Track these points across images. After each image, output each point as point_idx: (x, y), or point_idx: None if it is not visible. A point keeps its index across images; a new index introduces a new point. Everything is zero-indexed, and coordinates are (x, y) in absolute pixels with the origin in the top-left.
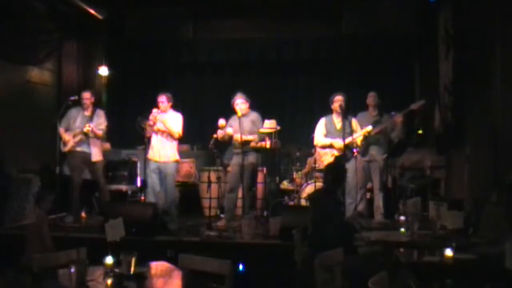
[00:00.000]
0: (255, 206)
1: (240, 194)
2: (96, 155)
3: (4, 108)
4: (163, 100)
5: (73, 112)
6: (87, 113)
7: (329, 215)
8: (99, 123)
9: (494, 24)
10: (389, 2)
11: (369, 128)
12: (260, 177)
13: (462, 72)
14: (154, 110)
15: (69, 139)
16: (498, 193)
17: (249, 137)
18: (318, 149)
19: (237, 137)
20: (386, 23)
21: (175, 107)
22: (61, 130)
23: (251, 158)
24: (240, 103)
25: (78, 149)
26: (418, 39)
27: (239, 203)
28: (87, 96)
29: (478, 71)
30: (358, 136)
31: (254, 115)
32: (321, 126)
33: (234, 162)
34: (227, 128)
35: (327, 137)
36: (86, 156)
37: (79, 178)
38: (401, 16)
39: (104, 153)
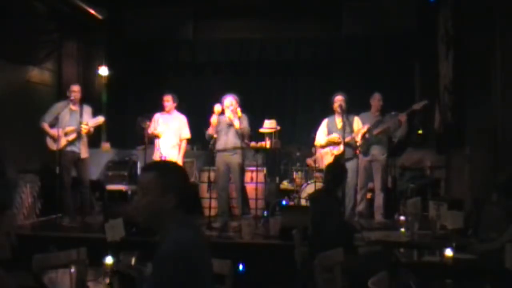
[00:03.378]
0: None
1: (232, 194)
2: (85, 152)
3: (4, 108)
4: (169, 99)
5: (58, 107)
6: (75, 108)
7: (329, 215)
8: (94, 121)
9: (494, 24)
10: (389, 2)
11: (364, 129)
12: (260, 177)
13: (462, 72)
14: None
15: (60, 136)
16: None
17: (236, 122)
18: (319, 149)
19: (230, 115)
20: (386, 23)
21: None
22: (45, 125)
23: (237, 157)
24: (230, 104)
25: (68, 148)
26: (418, 39)
27: (234, 202)
28: (76, 89)
29: (478, 71)
30: (355, 135)
31: (242, 115)
32: (323, 127)
33: (220, 161)
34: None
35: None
36: (76, 156)
37: (69, 177)
38: (401, 16)
39: (104, 152)
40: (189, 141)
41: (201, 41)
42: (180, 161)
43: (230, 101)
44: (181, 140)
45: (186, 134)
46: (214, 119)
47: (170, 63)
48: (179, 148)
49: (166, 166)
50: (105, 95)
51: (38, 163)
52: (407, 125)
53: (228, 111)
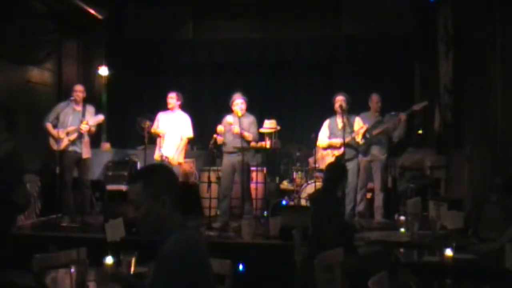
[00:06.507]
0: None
1: (234, 194)
2: (87, 152)
3: None
4: (173, 96)
5: (61, 107)
6: (78, 108)
7: (329, 215)
8: (95, 120)
9: (494, 24)
10: (389, 2)
11: (364, 128)
12: (260, 177)
13: (462, 72)
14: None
15: (62, 136)
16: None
17: (246, 134)
18: (321, 150)
19: (236, 128)
20: (386, 23)
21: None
22: (49, 126)
23: (246, 157)
24: (240, 103)
25: (70, 148)
26: (418, 39)
27: (234, 202)
28: (80, 88)
29: (478, 71)
30: (355, 134)
31: (252, 118)
32: (324, 128)
33: (226, 162)
34: (218, 126)
35: (330, 138)
36: (78, 156)
37: (71, 177)
38: (401, 16)
39: (104, 152)
40: (189, 141)
41: (201, 41)
42: (181, 160)
43: (240, 103)
44: (182, 139)
45: (189, 133)
46: (220, 139)
47: (170, 63)
48: (180, 147)
49: (150, 172)
50: (105, 95)
51: (38, 163)
52: (405, 125)
53: (237, 128)
